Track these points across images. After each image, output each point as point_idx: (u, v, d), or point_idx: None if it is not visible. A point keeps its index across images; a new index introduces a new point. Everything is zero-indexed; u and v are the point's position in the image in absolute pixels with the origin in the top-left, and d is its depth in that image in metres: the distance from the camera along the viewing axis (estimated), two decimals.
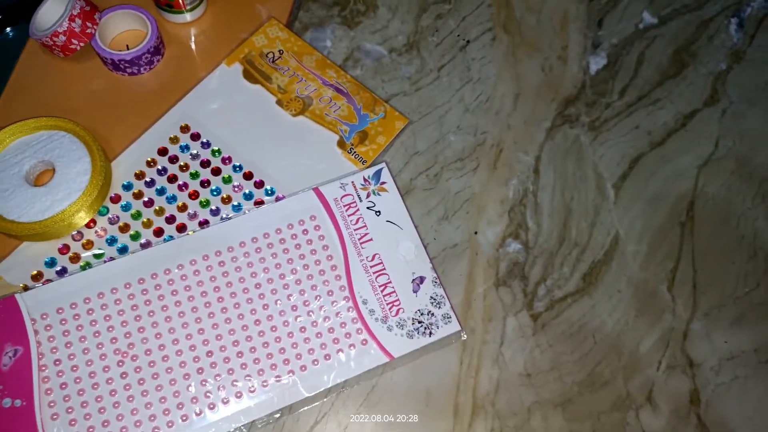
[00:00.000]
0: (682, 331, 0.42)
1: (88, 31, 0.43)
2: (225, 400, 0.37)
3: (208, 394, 0.37)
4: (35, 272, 0.40)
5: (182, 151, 0.44)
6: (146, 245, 0.41)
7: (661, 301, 0.43)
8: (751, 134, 0.48)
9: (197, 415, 0.37)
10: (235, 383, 0.38)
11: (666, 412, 0.40)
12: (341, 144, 0.45)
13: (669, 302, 0.43)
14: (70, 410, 0.36)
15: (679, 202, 0.45)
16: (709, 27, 0.52)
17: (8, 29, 0.48)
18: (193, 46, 0.47)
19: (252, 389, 0.38)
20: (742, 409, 0.40)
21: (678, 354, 0.41)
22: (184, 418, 0.37)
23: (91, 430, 0.36)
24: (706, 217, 0.45)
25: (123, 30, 0.47)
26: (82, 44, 0.44)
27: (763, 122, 0.48)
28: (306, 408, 0.38)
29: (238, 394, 0.38)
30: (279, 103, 0.45)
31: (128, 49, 0.45)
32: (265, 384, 0.38)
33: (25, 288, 0.39)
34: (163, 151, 0.44)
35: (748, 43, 0.51)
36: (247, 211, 0.42)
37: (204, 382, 0.38)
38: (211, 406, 0.37)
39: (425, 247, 0.42)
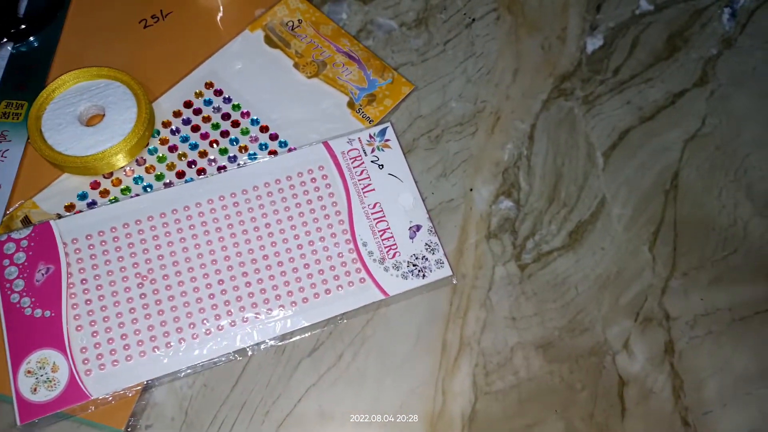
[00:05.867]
0: (660, 287, 0.45)
1: None
2: (232, 323, 0.41)
3: (217, 316, 0.41)
4: (68, 203, 0.44)
5: (206, 105, 0.48)
6: (169, 185, 0.45)
7: (642, 260, 0.45)
8: (737, 114, 0.51)
9: (207, 334, 0.41)
10: (242, 309, 0.41)
11: (641, 359, 0.43)
12: (350, 104, 0.48)
13: (650, 261, 0.45)
14: (92, 323, 0.40)
15: (664, 172, 0.48)
16: (702, 16, 0.55)
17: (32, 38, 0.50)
18: (220, 14, 0.52)
19: (258, 315, 0.41)
20: (714, 361, 0.43)
21: (656, 308, 0.44)
22: (195, 336, 0.40)
23: (110, 341, 0.40)
24: (689, 186, 0.48)
25: None
26: None
27: (749, 103, 0.51)
28: (306, 335, 0.42)
29: (245, 320, 0.41)
30: (296, 66, 0.50)
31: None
32: (269, 311, 0.42)
33: (59, 216, 0.44)
34: (188, 104, 0.48)
35: (740, 31, 0.54)
36: (261, 160, 0.46)
37: (214, 307, 0.41)
38: (220, 328, 0.41)
39: (423, 200, 0.45)
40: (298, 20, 0.51)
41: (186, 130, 0.47)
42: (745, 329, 0.44)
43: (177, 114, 0.47)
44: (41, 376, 0.39)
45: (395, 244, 0.44)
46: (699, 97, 0.51)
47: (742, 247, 0.46)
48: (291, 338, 0.42)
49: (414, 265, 0.44)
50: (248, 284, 0.42)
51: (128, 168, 0.45)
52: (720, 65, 0.53)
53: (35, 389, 0.38)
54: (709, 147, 0.50)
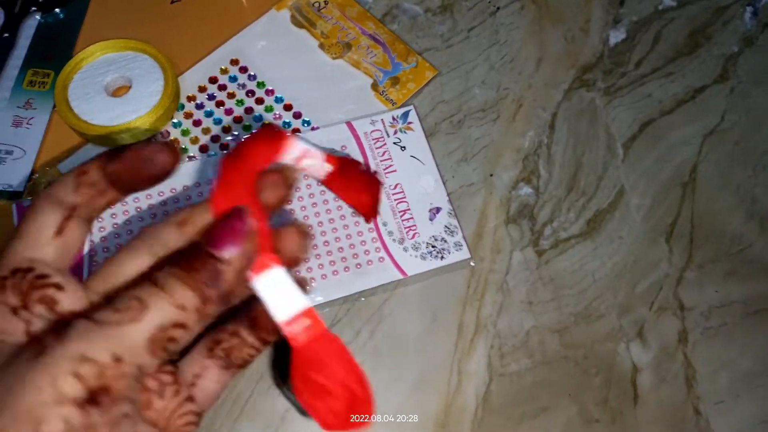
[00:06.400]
0: (676, 278, 0.45)
1: None
2: None
3: None
4: None
5: (230, 81, 0.48)
6: (192, 158, 0.46)
7: (658, 250, 0.46)
8: (756, 111, 0.51)
9: None
10: None
11: (655, 348, 0.43)
12: (374, 86, 0.49)
13: (666, 252, 0.46)
14: None
15: (683, 165, 0.49)
16: (724, 13, 0.55)
17: (58, 10, 0.51)
18: None
19: None
20: (727, 353, 0.43)
21: (671, 298, 0.44)
22: None
23: None
24: (707, 180, 0.48)
25: None
26: None
27: None
28: (324, 311, 0.42)
29: None
30: (321, 46, 0.50)
31: None
32: None
33: None
34: (213, 80, 0.48)
35: (761, 30, 0.55)
36: None
37: None
38: None
39: (444, 183, 0.46)
40: (324, 1, 0.51)
41: (210, 105, 0.47)
42: (758, 322, 0.44)
43: (202, 89, 0.48)
44: None
45: (415, 225, 0.44)
46: (719, 93, 0.52)
47: (758, 241, 0.47)
48: None
49: (433, 247, 0.44)
50: None
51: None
52: (741, 63, 0.53)
53: None
54: (728, 142, 0.50)
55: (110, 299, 0.20)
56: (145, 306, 0.20)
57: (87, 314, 0.20)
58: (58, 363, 0.18)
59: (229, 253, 0.21)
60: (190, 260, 0.21)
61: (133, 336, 0.19)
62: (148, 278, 0.21)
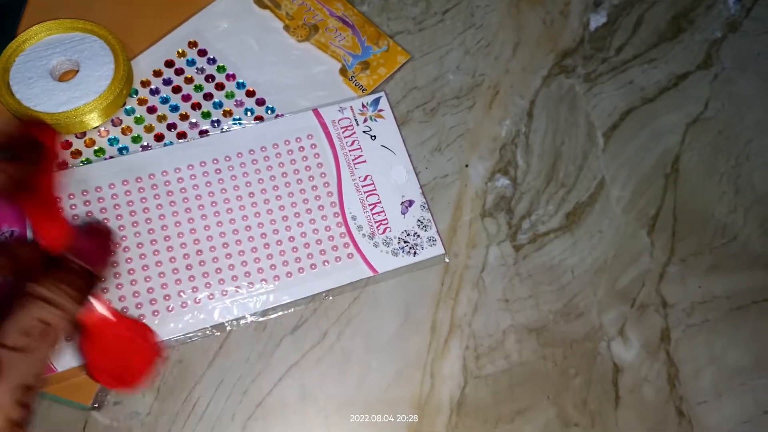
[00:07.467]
0: (658, 273, 0.43)
1: None
2: (211, 296, 0.38)
3: (195, 289, 0.38)
4: None
5: (188, 65, 0.45)
6: (146, 148, 0.42)
7: (640, 244, 0.44)
8: (740, 98, 0.49)
9: (182, 307, 0.38)
10: (221, 282, 0.39)
11: (636, 346, 0.41)
12: (343, 71, 0.46)
13: (648, 246, 0.44)
14: None
15: (665, 155, 0.47)
16: None
17: None
18: None
19: (238, 289, 0.39)
20: (710, 350, 0.42)
21: (653, 294, 0.43)
22: (170, 309, 0.38)
23: None
24: (690, 171, 0.47)
25: None
26: None
27: (752, 88, 0.50)
28: (289, 311, 0.40)
29: (224, 293, 0.39)
30: (286, 28, 0.47)
31: None
32: (251, 285, 0.39)
33: None
34: (169, 63, 0.45)
35: (745, 15, 0.53)
36: (247, 125, 0.43)
37: (192, 278, 0.39)
38: (197, 301, 0.38)
39: (416, 174, 0.43)
40: None
41: (166, 91, 0.44)
42: (741, 318, 0.43)
43: (157, 73, 0.44)
44: None
45: (386, 219, 0.42)
46: (702, 80, 0.50)
47: (742, 234, 0.45)
48: (273, 314, 0.39)
49: (405, 242, 0.41)
50: (228, 256, 0.40)
51: (102, 128, 0.42)
52: (724, 48, 0.51)
53: None
54: (711, 131, 0.48)
55: None
56: None
57: None
58: None
59: None
60: None
61: None
62: None
